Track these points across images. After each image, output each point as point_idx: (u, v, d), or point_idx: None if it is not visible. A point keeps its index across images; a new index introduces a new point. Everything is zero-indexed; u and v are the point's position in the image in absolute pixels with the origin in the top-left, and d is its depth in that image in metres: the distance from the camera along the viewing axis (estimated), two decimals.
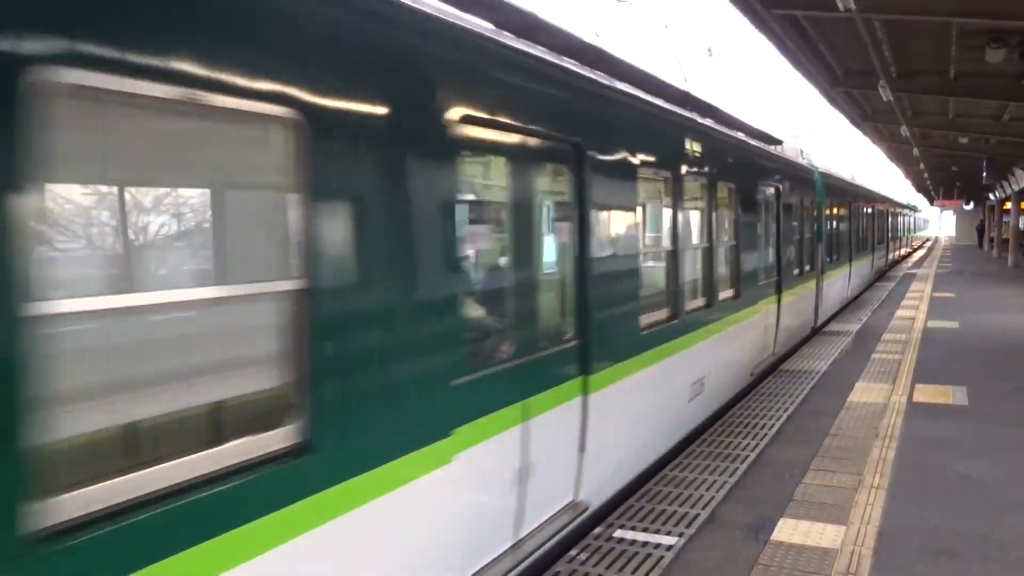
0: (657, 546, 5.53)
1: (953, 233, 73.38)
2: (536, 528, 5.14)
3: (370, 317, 3.68)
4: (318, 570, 3.40)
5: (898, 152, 35.05)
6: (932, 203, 61.48)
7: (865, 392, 10.22)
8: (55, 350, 2.44)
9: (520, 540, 4.98)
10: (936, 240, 76.16)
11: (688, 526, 5.88)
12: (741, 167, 10.01)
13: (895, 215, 35.28)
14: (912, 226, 57.87)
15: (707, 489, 6.64)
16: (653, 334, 6.84)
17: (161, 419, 3.09)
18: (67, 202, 2.87)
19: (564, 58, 5.74)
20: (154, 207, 3.27)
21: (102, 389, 2.91)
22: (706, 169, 8.33)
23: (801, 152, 16.04)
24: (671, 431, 7.69)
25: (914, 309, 19.21)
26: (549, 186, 5.46)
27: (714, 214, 8.66)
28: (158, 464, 2.77)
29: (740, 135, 10.69)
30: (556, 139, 5.26)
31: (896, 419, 8.87)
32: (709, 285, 8.59)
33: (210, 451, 2.94)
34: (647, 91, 7.25)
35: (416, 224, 3.92)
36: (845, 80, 17.67)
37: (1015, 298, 21.91)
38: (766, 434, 8.23)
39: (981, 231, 55.80)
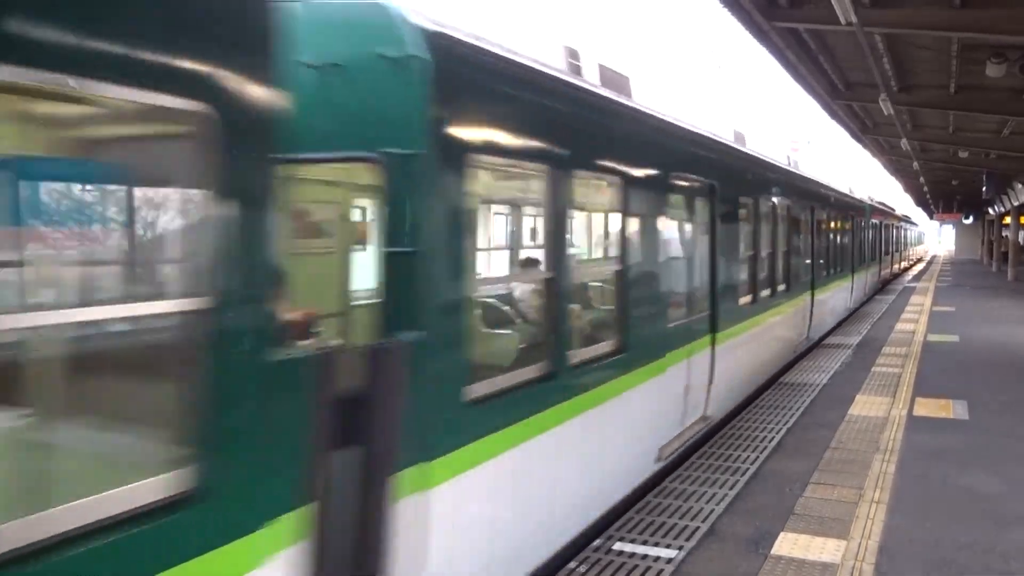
0: (656, 559, 5.49)
1: (953, 248, 73.15)
2: None
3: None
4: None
5: (898, 165, 35.14)
6: (932, 216, 61.38)
7: (866, 405, 10.18)
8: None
9: None
10: (934, 257, 72.91)
11: (688, 539, 5.84)
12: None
13: (878, 229, 28.48)
14: (904, 241, 49.22)
15: (707, 502, 6.60)
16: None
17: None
18: None
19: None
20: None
21: None
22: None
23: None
24: None
25: (914, 323, 19.18)
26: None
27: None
28: None
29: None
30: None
31: (897, 432, 8.84)
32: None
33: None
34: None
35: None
36: (846, 93, 17.75)
37: (1015, 311, 21.90)
38: (766, 447, 8.20)
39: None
